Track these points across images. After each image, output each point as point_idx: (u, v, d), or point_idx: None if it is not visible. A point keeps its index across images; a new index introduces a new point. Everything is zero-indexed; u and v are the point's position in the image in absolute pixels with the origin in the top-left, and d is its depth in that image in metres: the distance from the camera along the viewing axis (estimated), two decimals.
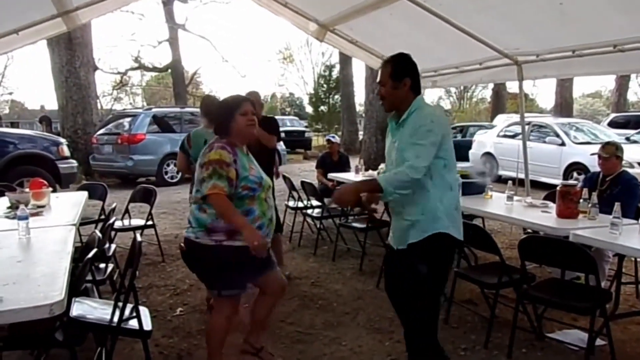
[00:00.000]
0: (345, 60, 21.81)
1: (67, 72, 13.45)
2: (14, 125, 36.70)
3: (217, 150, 2.76)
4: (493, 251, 3.44)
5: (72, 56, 13.39)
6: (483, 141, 13.03)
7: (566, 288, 3.44)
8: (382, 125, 12.10)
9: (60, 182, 8.66)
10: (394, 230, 2.75)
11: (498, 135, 12.44)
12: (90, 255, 2.78)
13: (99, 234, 3.37)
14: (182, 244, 2.91)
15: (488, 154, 12.52)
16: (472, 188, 4.80)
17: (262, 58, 68.27)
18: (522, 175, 6.66)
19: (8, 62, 32.10)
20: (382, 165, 2.87)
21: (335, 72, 29.65)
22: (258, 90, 4.80)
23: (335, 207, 4.52)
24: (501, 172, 11.90)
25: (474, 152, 12.98)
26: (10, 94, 39.22)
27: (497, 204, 4.53)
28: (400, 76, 2.61)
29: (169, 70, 26.30)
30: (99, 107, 19.07)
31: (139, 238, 2.92)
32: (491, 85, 24.51)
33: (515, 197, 4.56)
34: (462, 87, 38.87)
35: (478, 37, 5.54)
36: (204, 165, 2.76)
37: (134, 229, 5.50)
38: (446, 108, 44.74)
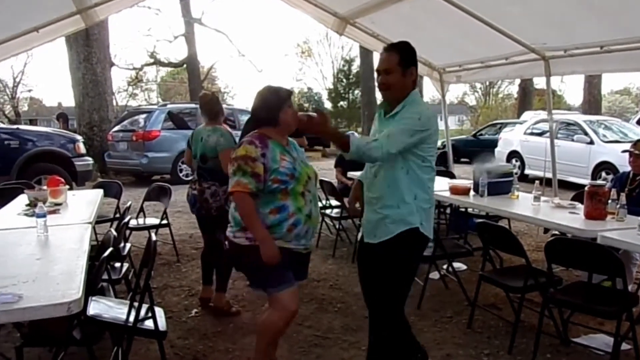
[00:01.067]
0: (365, 54, 21.77)
1: (84, 69, 13.68)
2: (32, 122, 37.33)
3: (244, 146, 2.74)
4: (519, 254, 3.43)
5: (89, 53, 13.61)
6: (509, 139, 12.94)
7: (593, 291, 3.41)
8: None
9: (77, 179, 8.83)
10: (366, 221, 2.79)
11: (525, 133, 12.34)
12: (106, 254, 2.85)
13: (114, 233, 3.44)
14: (225, 243, 2.94)
15: (515, 152, 12.43)
16: (498, 188, 4.77)
17: (280, 52, 68.53)
18: (549, 175, 6.60)
19: (28, 60, 32.71)
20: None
21: (355, 67, 29.66)
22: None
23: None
24: (528, 172, 11.81)
25: (500, 150, 12.90)
26: (30, 91, 39.95)
27: (523, 204, 4.50)
28: (408, 64, 2.64)
29: (185, 65, 26.55)
30: (115, 103, 19.36)
31: (153, 237, 2.97)
32: (518, 81, 24.25)
33: (543, 198, 4.52)
34: (487, 83, 38.49)
35: (504, 31, 5.53)
36: (232, 161, 2.76)
37: (149, 228, 5.59)
38: (471, 104, 44.39)
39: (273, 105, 2.82)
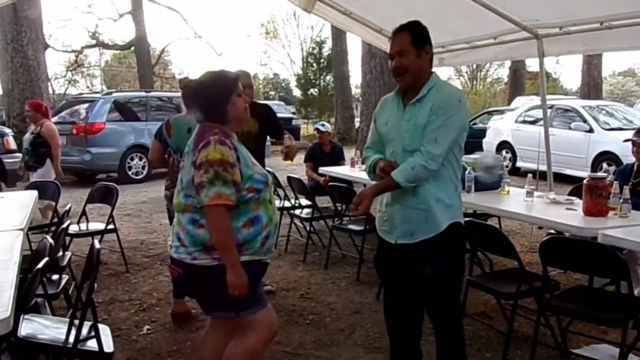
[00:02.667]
0: (338, 34, 21.81)
1: (13, 51, 13.38)
2: None
3: (216, 147, 2.51)
4: (511, 255, 3.47)
5: (18, 32, 13.32)
6: (499, 128, 13.11)
7: (594, 297, 3.47)
8: None
9: (6, 179, 8.63)
10: (396, 220, 2.78)
11: (516, 121, 12.53)
12: (40, 265, 2.77)
13: (51, 241, 3.36)
14: (173, 267, 2.70)
15: (505, 143, 12.61)
16: (485, 183, 4.82)
17: (242, 33, 68.12)
18: (543, 167, 6.70)
19: None
20: (376, 155, 2.90)
21: (326, 49, 29.68)
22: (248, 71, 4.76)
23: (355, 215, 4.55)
24: (520, 164, 11.99)
25: (489, 141, 13.06)
26: None
27: (515, 200, 4.56)
28: (422, 42, 2.69)
29: (132, 48, 26.21)
30: (51, 91, 18.97)
31: (97, 245, 2.91)
32: (508, 63, 24.60)
33: (536, 193, 4.58)
34: (474, 66, 38.96)
35: (492, 6, 5.56)
36: (202, 166, 2.49)
37: (93, 234, 5.49)
38: None
39: (217, 99, 2.65)
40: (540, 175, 6.96)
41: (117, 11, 29.58)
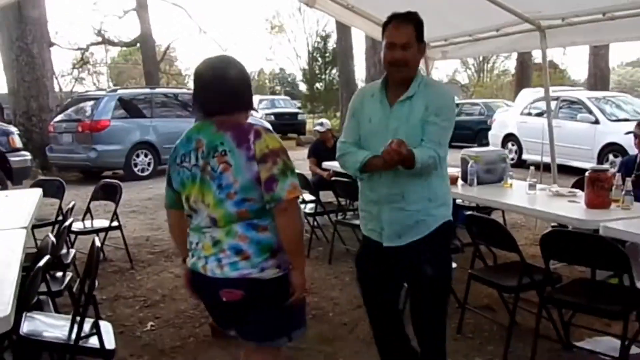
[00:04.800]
0: (342, 28, 21.70)
1: (18, 50, 13.45)
2: None
3: (270, 135, 2.25)
4: (511, 249, 3.46)
5: (23, 30, 13.38)
6: (504, 121, 13.08)
7: (596, 289, 3.46)
8: None
9: (12, 177, 8.66)
10: (386, 222, 2.71)
11: (522, 114, 12.48)
12: (42, 263, 2.79)
13: (53, 238, 3.39)
14: (231, 292, 2.24)
15: (510, 135, 12.57)
16: (489, 176, 4.81)
17: (247, 28, 68.00)
18: (548, 160, 6.67)
19: None
20: (366, 152, 2.78)
21: (331, 43, 29.63)
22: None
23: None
24: (526, 157, 11.95)
25: (494, 133, 13.04)
26: None
27: (518, 193, 4.55)
28: (422, 38, 2.68)
29: (138, 45, 26.23)
30: (58, 89, 19.06)
31: (97, 243, 2.93)
32: (515, 55, 24.48)
33: (539, 186, 4.58)
34: (480, 58, 38.80)
35: None
36: (268, 158, 2.18)
37: (97, 231, 5.51)
38: (463, 82, 44.74)
39: (246, 83, 2.37)
40: (546, 168, 6.92)
41: (122, 8, 29.67)
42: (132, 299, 4.78)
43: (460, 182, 4.89)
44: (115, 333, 3.97)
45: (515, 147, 12.42)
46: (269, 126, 3.16)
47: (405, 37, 2.61)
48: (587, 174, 3.89)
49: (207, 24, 69.15)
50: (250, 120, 2.37)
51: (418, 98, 2.63)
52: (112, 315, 4.39)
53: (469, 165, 4.77)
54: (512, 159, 12.31)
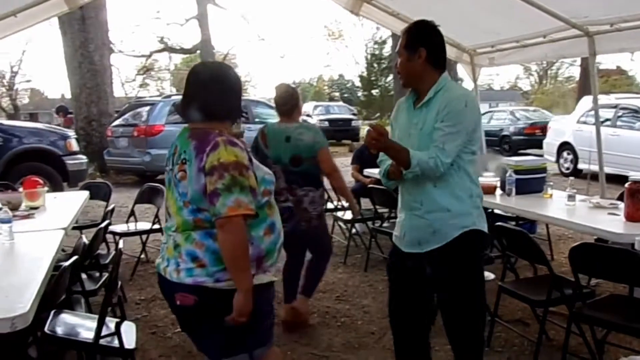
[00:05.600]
0: (397, 34, 21.62)
1: (81, 57, 13.95)
2: (32, 116, 38.61)
3: (227, 148, 2.18)
4: (540, 261, 3.36)
5: (85, 38, 13.89)
6: (560, 129, 12.69)
7: (632, 306, 3.31)
8: None
9: (68, 180, 9.00)
10: (407, 229, 2.73)
11: (578, 122, 12.06)
12: (68, 263, 2.90)
13: (85, 240, 3.51)
14: (184, 295, 2.25)
15: (566, 144, 12.19)
16: (528, 186, 4.68)
17: (305, 35, 68.45)
18: (606, 169, 6.41)
19: (26, 47, 33.86)
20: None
21: (387, 49, 29.50)
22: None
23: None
24: (582, 166, 11.54)
25: (549, 142, 12.68)
26: (28, 81, 41.16)
27: (556, 205, 4.41)
28: (415, 46, 2.63)
29: (198, 52, 26.87)
30: (123, 94, 19.69)
31: (120, 245, 3.01)
32: (579, 61, 23.71)
33: (580, 197, 4.42)
34: (544, 64, 37.87)
35: (539, 4, 5.40)
36: (215, 171, 2.15)
37: (139, 233, 5.67)
38: (525, 89, 43.71)
39: (236, 92, 2.39)
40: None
41: (183, 17, 30.46)
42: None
43: (498, 191, 4.79)
44: (147, 333, 4.16)
45: (571, 156, 12.02)
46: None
47: (398, 46, 2.70)
48: (626, 185, 3.73)
49: (265, 31, 70.05)
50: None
51: (433, 105, 2.62)
52: (147, 316, 4.51)
53: (507, 175, 4.66)
54: (568, 169, 11.94)
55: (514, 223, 5.20)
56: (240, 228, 2.16)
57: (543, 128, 17.19)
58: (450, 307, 2.74)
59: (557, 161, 12.48)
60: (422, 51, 2.63)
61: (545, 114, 20.34)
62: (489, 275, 4.99)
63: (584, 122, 11.85)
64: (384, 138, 2.50)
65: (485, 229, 2.73)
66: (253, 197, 2.21)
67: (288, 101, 4.13)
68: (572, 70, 39.34)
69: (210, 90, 2.31)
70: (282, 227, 2.43)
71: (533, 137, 16.49)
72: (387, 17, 6.97)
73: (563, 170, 11.98)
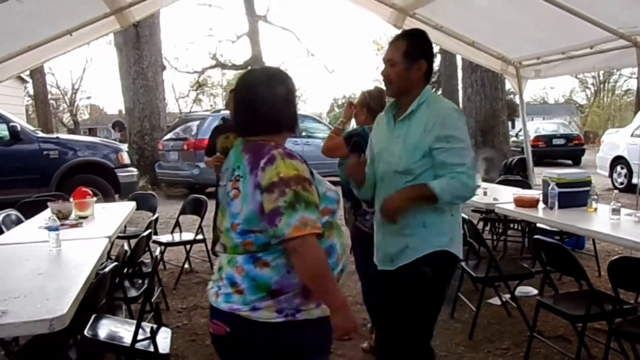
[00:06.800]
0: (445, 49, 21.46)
1: (135, 74, 14.40)
2: (91, 131, 40.08)
3: (286, 161, 1.93)
4: (579, 276, 3.29)
5: (139, 56, 14.34)
6: (614, 142, 12.34)
7: None
8: (484, 125, 11.81)
9: (120, 191, 9.29)
10: (382, 245, 2.71)
11: (632, 135, 11.69)
12: (107, 269, 3.00)
13: (127, 248, 3.62)
14: (216, 323, 2.04)
15: (620, 158, 11.84)
16: (571, 199, 4.57)
17: (353, 50, 68.70)
18: None
19: (87, 65, 35.26)
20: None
21: (436, 64, 29.26)
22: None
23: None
24: (636, 180, 11.18)
25: (602, 156, 12.34)
26: (89, 98, 42.76)
27: (600, 218, 4.29)
28: (416, 56, 2.59)
29: (249, 68, 27.38)
30: (177, 110, 20.17)
31: (156, 253, 3.10)
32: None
33: (625, 211, 4.29)
34: (600, 77, 36.87)
35: (585, 15, 5.33)
36: (274, 187, 1.88)
37: (183, 243, 5.81)
38: (581, 102, 42.55)
39: (290, 100, 2.11)
40: None
41: (235, 33, 31.11)
42: (208, 309, 4.94)
43: (541, 205, 4.70)
44: (187, 341, 4.24)
45: (624, 171, 11.66)
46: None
47: (390, 54, 2.62)
48: None
49: (314, 47, 70.79)
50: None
51: (417, 117, 2.59)
52: (187, 324, 4.60)
53: (549, 188, 4.57)
54: (622, 183, 11.58)
55: (558, 238, 5.08)
56: (316, 245, 1.89)
57: (548, 141, 18.59)
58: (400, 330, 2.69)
59: (611, 176, 12.12)
60: (422, 63, 2.60)
61: (570, 127, 21.13)
62: (529, 290, 4.90)
63: (639, 136, 11.50)
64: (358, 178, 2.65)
65: (458, 252, 2.65)
66: (319, 216, 1.96)
67: (378, 103, 3.79)
68: (630, 83, 38.22)
69: (265, 98, 2.04)
70: (345, 251, 2.13)
71: (536, 148, 15.93)
72: (430, 30, 6.94)
73: (617, 185, 11.62)
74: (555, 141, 19.36)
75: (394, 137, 2.64)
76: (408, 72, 2.59)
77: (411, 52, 2.59)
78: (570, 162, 19.07)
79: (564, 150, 19.33)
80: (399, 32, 2.94)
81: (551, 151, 18.66)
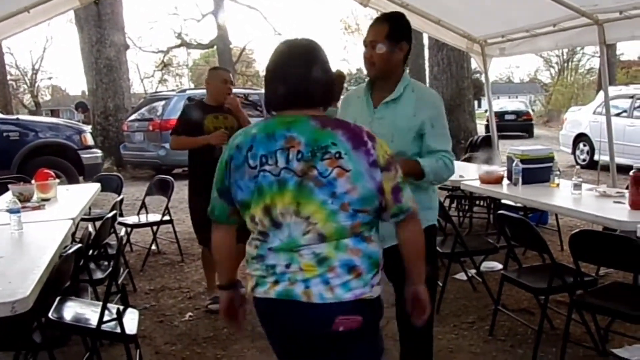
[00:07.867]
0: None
1: (97, 53, 14.11)
2: (53, 112, 39.19)
3: (379, 138, 1.93)
4: (542, 250, 3.36)
5: (101, 35, 14.04)
6: (577, 120, 12.57)
7: (637, 294, 3.30)
8: (450, 103, 11.89)
9: (84, 173, 9.13)
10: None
11: (595, 113, 11.92)
12: (71, 251, 2.96)
13: (91, 229, 3.57)
14: (348, 319, 1.80)
15: (582, 135, 12.07)
16: (535, 175, 4.65)
17: (321, 29, 68.44)
18: (621, 160, 6.35)
19: (47, 45, 34.30)
20: None
21: None
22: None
23: None
24: (601, 158, 11.42)
25: (565, 133, 12.56)
26: (50, 78, 41.74)
27: (562, 194, 4.38)
28: (398, 38, 2.61)
29: (215, 47, 27.05)
30: (142, 90, 19.88)
31: (121, 233, 3.07)
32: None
33: (587, 186, 4.40)
34: (564, 56, 37.41)
35: None
36: (391, 166, 1.87)
37: (150, 224, 5.76)
38: (545, 81, 43.17)
39: (331, 72, 1.98)
40: (620, 169, 6.57)
41: (200, 12, 30.68)
42: (176, 290, 4.95)
43: (505, 181, 4.78)
44: (154, 322, 4.23)
45: (587, 148, 11.90)
46: None
47: (372, 36, 2.62)
48: (631, 173, 3.70)
49: (281, 26, 70.18)
50: None
51: (404, 102, 2.64)
52: (155, 305, 4.58)
53: (514, 164, 4.64)
54: (584, 160, 11.82)
55: (522, 213, 5.18)
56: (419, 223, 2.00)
57: (500, 116, 19.47)
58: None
59: (574, 153, 12.37)
60: (404, 45, 2.63)
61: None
62: (495, 265, 5.00)
63: (601, 113, 11.72)
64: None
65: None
66: None
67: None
68: (593, 62, 38.85)
69: (323, 69, 1.92)
70: None
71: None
72: (397, 9, 6.94)
73: (579, 161, 11.86)
74: (507, 117, 21.46)
75: (376, 119, 2.67)
76: (390, 55, 2.62)
77: (393, 34, 2.60)
78: (526, 134, 21.54)
79: (514, 125, 21.53)
80: (370, 11, 2.97)
81: (503, 125, 19.25)
